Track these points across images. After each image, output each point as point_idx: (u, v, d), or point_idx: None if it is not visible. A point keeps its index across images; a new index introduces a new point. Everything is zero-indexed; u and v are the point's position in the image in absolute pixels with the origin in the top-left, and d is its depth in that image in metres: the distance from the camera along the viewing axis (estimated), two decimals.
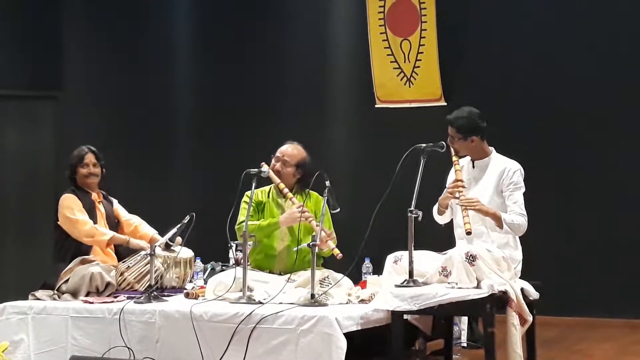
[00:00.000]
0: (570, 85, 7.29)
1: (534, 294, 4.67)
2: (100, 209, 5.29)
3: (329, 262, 5.06)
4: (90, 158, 5.27)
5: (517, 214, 4.57)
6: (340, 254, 4.68)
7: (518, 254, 4.67)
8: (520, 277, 4.68)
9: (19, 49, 8.39)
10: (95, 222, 5.17)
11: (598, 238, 7.16)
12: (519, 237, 4.69)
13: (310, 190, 5.03)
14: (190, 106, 8.52)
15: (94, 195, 5.29)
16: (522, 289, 4.54)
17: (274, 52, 8.22)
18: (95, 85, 8.51)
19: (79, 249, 5.12)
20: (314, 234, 4.70)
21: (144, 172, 8.29)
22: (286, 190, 4.96)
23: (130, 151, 8.19)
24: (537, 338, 4.82)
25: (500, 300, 4.37)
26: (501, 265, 4.48)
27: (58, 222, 5.18)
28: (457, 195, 4.56)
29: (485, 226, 4.61)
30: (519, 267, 4.67)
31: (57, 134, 8.46)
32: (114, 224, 5.33)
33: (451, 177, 4.82)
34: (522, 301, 4.46)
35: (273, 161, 5.06)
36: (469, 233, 4.44)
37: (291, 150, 5.07)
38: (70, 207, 5.12)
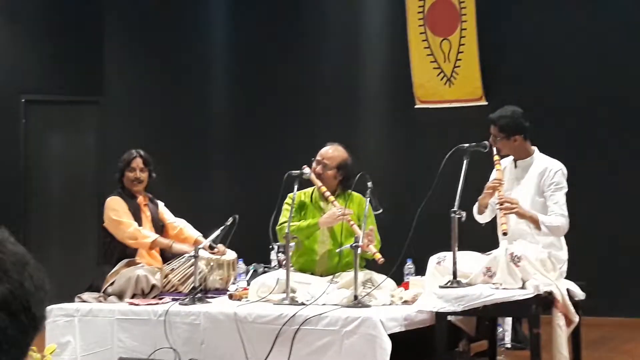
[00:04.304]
0: (615, 83, 7.20)
1: (579, 295, 4.61)
2: (146, 212, 5.32)
3: (370, 264, 5.05)
4: (137, 162, 5.27)
5: (557, 215, 4.51)
6: (382, 259, 4.62)
7: (563, 254, 4.61)
8: (565, 277, 4.62)
9: (62, 55, 8.51)
10: (140, 225, 5.21)
11: None
12: (564, 237, 4.63)
13: (353, 192, 5.02)
14: (230, 108, 8.57)
15: (140, 199, 5.32)
16: (567, 290, 4.49)
17: (313, 53, 8.24)
18: (136, 89, 8.60)
19: (125, 252, 5.16)
20: (356, 235, 4.69)
21: (186, 175, 8.36)
22: (328, 193, 4.94)
23: (172, 154, 8.25)
24: (582, 339, 4.76)
25: (545, 301, 4.32)
26: (546, 265, 4.44)
27: (104, 225, 5.23)
28: (497, 195, 4.53)
29: (529, 226, 4.57)
30: (565, 267, 4.61)
31: (100, 138, 8.56)
32: (160, 227, 5.36)
33: (493, 177, 4.78)
34: (568, 302, 4.41)
35: (314, 164, 5.02)
36: (505, 234, 4.40)
37: (332, 152, 5.04)
38: (115, 209, 5.17)
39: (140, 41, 8.58)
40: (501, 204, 4.44)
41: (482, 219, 4.79)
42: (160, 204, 5.48)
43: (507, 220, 4.40)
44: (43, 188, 8.59)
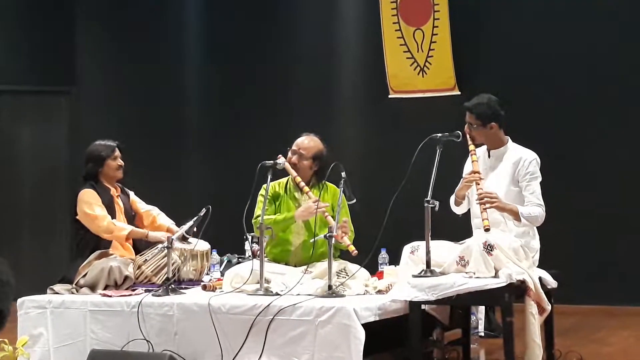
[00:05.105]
0: (587, 73, 7.25)
1: (552, 283, 4.65)
2: (119, 203, 5.30)
3: (344, 254, 5.06)
4: (117, 152, 5.29)
5: (534, 205, 4.55)
6: (356, 251, 4.65)
7: (536, 243, 4.65)
8: (538, 266, 4.66)
9: (33, 44, 8.42)
10: (114, 217, 5.18)
11: (615, 226, 7.12)
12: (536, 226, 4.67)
13: (327, 182, 5.02)
14: (204, 99, 8.53)
15: (113, 190, 5.30)
16: (540, 278, 4.52)
17: (288, 43, 8.22)
18: (109, 80, 8.53)
19: (99, 244, 5.12)
20: (330, 226, 4.69)
21: (159, 166, 8.31)
22: (302, 184, 4.93)
23: (144, 145, 8.20)
24: (555, 327, 4.81)
25: (518, 290, 4.36)
26: (519, 254, 4.47)
27: (77, 217, 5.19)
28: (476, 188, 4.53)
29: (502, 215, 4.59)
30: (537, 256, 4.65)
31: (72, 129, 8.49)
32: (132, 217, 5.34)
33: (468, 166, 4.80)
34: (540, 290, 4.45)
35: (289, 154, 5.02)
36: (487, 230, 4.40)
37: (307, 142, 5.04)
38: (89, 202, 5.13)
39: (113, 30, 8.51)
40: (481, 199, 4.45)
41: (459, 210, 4.81)
42: (131, 194, 5.46)
43: (487, 215, 4.41)
44: (14, 179, 8.51)
